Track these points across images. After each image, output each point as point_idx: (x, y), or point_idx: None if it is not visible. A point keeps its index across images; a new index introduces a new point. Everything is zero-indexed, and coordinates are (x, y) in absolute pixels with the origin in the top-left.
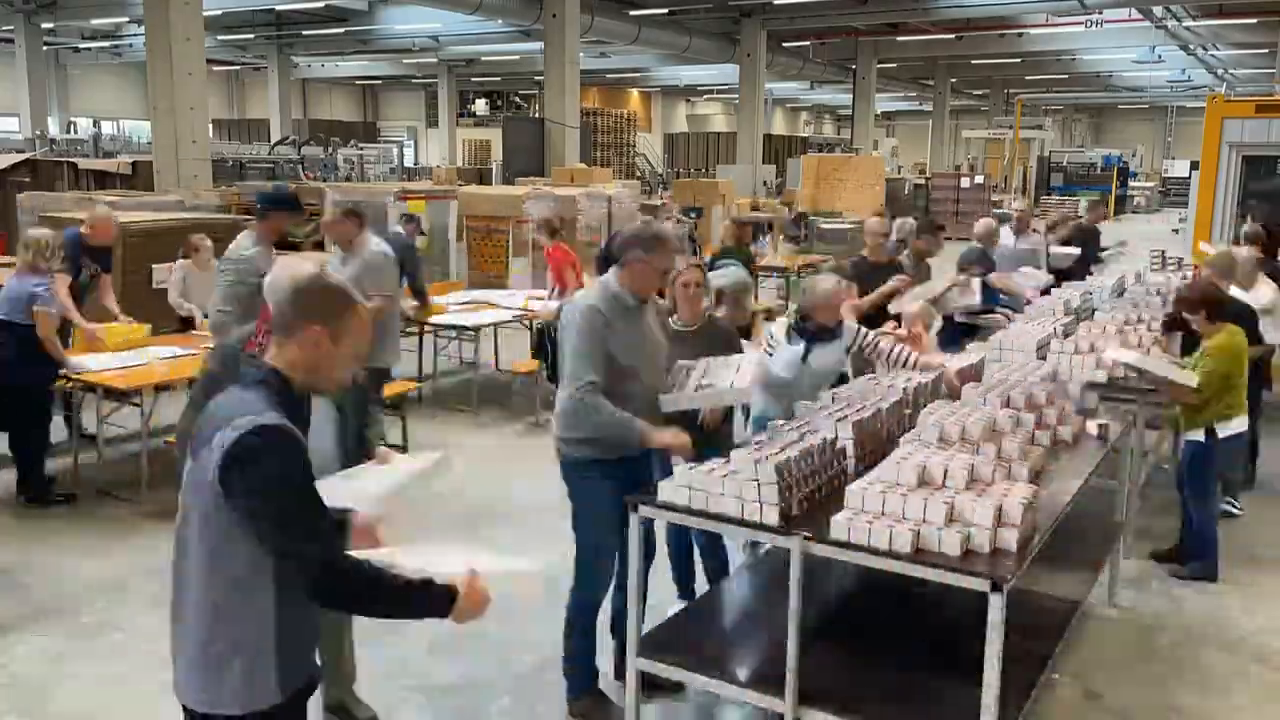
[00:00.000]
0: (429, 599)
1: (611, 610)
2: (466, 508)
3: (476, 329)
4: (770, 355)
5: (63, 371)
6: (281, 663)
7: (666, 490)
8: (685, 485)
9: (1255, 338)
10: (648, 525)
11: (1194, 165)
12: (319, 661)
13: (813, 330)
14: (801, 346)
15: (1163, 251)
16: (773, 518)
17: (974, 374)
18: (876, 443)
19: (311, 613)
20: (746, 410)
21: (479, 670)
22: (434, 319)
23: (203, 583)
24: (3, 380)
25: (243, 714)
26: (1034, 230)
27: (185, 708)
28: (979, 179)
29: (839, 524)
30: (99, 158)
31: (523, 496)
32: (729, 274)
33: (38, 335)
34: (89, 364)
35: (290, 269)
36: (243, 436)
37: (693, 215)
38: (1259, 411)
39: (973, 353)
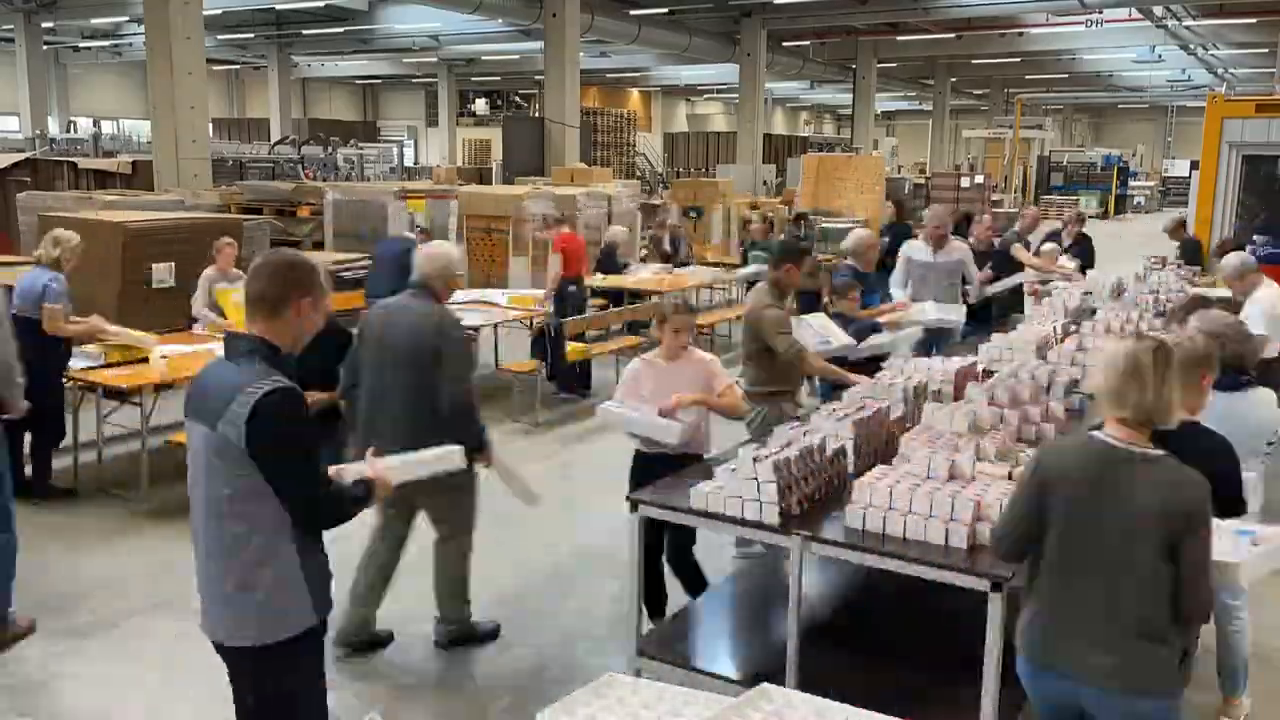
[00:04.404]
0: (364, 495)
1: None
2: None
3: (476, 329)
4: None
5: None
6: (312, 591)
7: (666, 489)
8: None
9: None
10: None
11: (1194, 165)
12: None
13: None
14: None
15: (1164, 258)
16: (772, 517)
17: (971, 373)
18: (876, 443)
19: (323, 551)
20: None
21: (479, 670)
22: None
23: (231, 531)
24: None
25: (274, 643)
26: (958, 239)
27: (219, 644)
28: (979, 178)
29: (853, 515)
30: (99, 157)
31: None
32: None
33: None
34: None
35: (268, 254)
36: (262, 398)
37: (693, 215)
38: None
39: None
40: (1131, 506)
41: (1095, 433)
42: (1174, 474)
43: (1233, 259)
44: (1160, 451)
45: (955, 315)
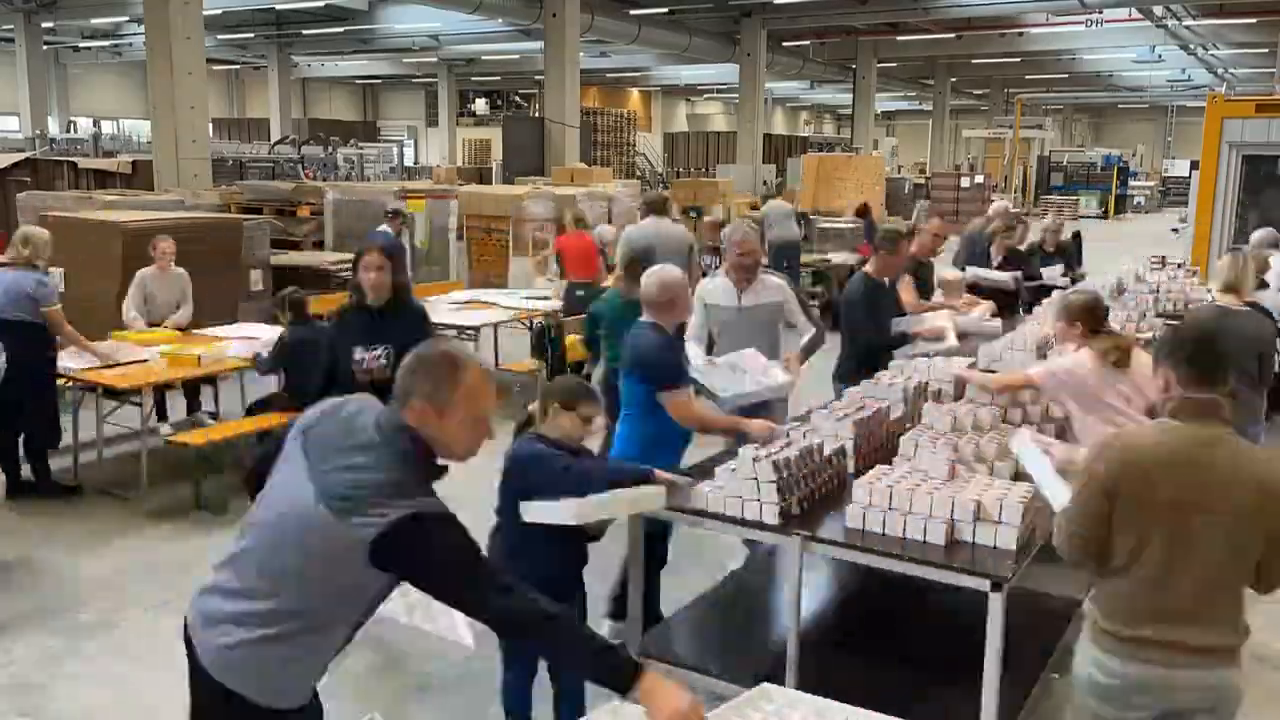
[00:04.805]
0: (608, 664)
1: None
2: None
3: (476, 328)
4: None
5: (70, 370)
6: (321, 670)
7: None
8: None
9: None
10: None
11: (1194, 165)
12: None
13: None
14: None
15: (1162, 257)
16: (772, 517)
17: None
18: (876, 442)
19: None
20: None
21: (479, 669)
22: (433, 318)
23: (290, 587)
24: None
25: (273, 708)
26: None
27: (208, 674)
28: (979, 179)
29: (853, 515)
30: (99, 157)
31: None
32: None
33: (48, 331)
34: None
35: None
36: (400, 522)
37: (693, 215)
38: None
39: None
40: (1242, 330)
41: (1218, 303)
42: (1256, 319)
43: (1264, 233)
44: (1249, 308)
45: (778, 379)
